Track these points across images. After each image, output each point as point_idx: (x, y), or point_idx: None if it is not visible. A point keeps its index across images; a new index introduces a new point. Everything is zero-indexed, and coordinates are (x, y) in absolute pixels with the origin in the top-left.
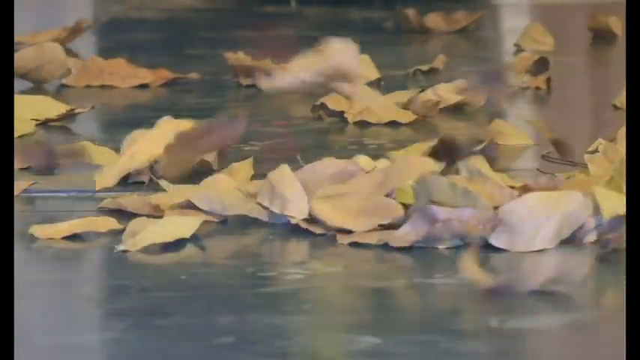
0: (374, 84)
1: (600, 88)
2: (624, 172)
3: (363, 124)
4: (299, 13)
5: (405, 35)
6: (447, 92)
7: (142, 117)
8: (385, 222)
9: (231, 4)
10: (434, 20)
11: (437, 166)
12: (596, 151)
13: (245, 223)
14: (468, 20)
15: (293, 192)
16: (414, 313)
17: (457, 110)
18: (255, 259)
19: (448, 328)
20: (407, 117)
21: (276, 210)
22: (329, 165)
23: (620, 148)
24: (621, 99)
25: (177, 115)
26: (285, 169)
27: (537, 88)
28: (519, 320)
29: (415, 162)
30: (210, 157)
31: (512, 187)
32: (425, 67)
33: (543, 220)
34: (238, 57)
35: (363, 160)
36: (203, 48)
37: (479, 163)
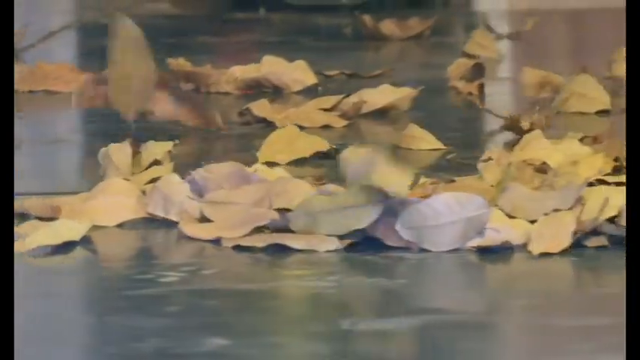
0: (311, 89)
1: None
2: (514, 175)
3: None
4: (266, 20)
5: (363, 41)
6: (371, 97)
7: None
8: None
9: (203, 11)
10: (389, 27)
11: (313, 189)
12: (489, 159)
13: (140, 225)
14: (421, 27)
15: (178, 196)
16: (275, 315)
17: (383, 114)
18: (137, 261)
19: (302, 331)
20: (335, 121)
21: (160, 213)
22: (225, 167)
23: (511, 154)
24: (562, 101)
25: (114, 121)
26: (171, 173)
27: (470, 93)
28: (370, 323)
29: (295, 184)
30: (126, 162)
31: None
32: (348, 72)
33: (451, 221)
34: (179, 63)
35: (260, 167)
36: (160, 54)
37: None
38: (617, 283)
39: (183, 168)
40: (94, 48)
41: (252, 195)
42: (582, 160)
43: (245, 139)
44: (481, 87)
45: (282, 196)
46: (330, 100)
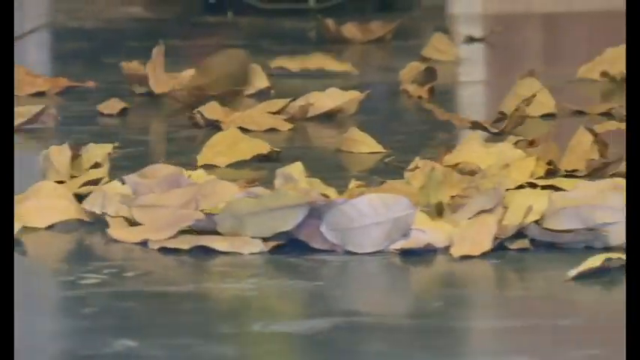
0: (264, 92)
1: (496, 95)
2: (439, 180)
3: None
4: (234, 24)
5: (326, 44)
6: (319, 100)
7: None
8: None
9: (174, 15)
10: (351, 30)
11: (239, 191)
12: (416, 167)
13: (72, 228)
14: (383, 30)
15: (112, 199)
16: (190, 317)
17: (330, 117)
18: (62, 263)
19: (212, 332)
20: (281, 125)
21: (97, 210)
22: (159, 171)
23: (441, 159)
24: (506, 104)
25: (64, 123)
26: (107, 176)
27: (420, 97)
28: (283, 325)
29: (223, 186)
30: (65, 165)
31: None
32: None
33: (376, 222)
34: (132, 66)
35: (196, 172)
36: (121, 57)
37: (293, 170)
38: (536, 285)
39: (125, 171)
40: (64, 51)
41: (180, 198)
42: (513, 163)
43: (193, 142)
44: (431, 90)
45: (209, 198)
46: (277, 104)
